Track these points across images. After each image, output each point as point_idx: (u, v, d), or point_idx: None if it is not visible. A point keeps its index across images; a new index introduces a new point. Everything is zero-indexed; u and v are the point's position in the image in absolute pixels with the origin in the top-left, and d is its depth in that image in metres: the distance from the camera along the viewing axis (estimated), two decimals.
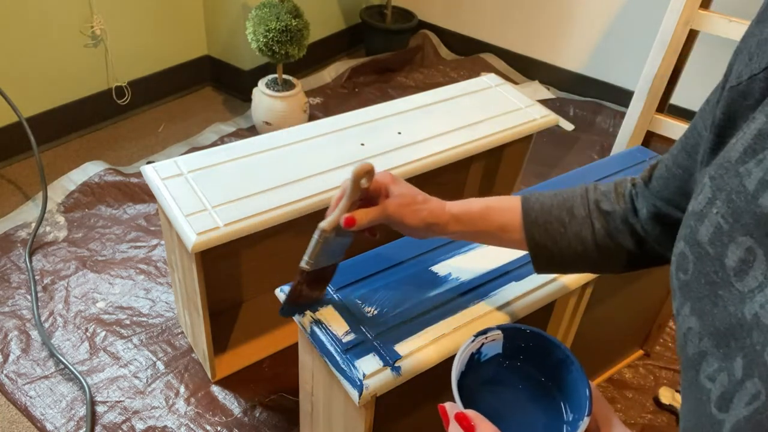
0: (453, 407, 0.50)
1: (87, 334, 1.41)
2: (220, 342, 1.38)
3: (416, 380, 0.82)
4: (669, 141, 1.86)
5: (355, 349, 0.82)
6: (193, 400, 1.30)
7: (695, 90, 2.16)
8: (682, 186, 0.59)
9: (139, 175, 1.84)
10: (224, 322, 1.42)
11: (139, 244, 1.66)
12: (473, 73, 2.58)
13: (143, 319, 1.46)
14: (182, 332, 1.44)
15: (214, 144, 2.08)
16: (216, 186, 1.13)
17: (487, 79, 1.59)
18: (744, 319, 0.38)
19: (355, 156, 1.25)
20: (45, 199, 1.71)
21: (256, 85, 2.04)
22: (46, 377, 1.32)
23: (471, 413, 0.48)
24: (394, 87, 2.52)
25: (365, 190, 0.74)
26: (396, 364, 0.80)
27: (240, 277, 1.40)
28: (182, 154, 1.48)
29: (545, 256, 0.72)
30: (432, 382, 0.84)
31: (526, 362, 0.57)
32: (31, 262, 1.57)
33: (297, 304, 0.86)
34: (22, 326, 1.42)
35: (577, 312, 1.08)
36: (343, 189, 0.74)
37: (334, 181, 1.17)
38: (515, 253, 1.00)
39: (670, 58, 1.72)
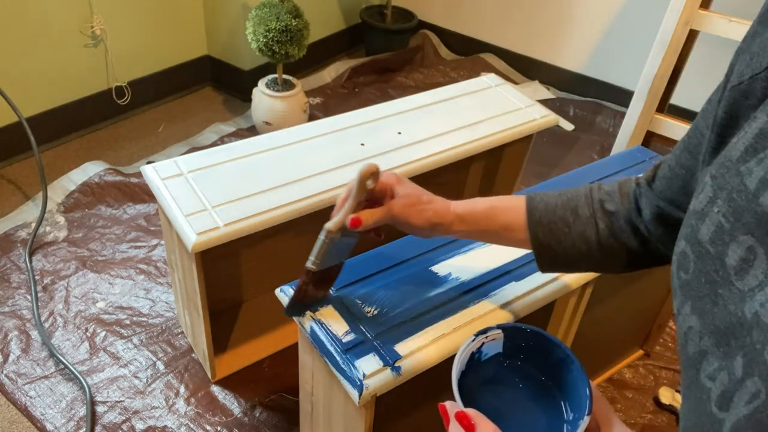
0: (453, 406, 0.50)
1: (87, 334, 1.41)
2: (220, 342, 1.38)
3: (416, 380, 0.82)
4: (669, 141, 1.86)
5: (355, 349, 0.82)
6: (193, 400, 1.30)
7: (695, 90, 2.16)
8: (684, 186, 0.59)
9: (139, 175, 1.84)
10: (224, 322, 1.42)
11: (139, 244, 1.66)
12: (473, 73, 2.58)
13: (143, 319, 1.46)
14: (182, 332, 1.44)
15: (214, 144, 2.08)
16: (216, 186, 1.13)
17: (487, 79, 1.59)
18: (744, 317, 0.38)
19: (355, 156, 1.25)
20: (45, 199, 1.71)
21: (256, 85, 2.04)
22: (46, 377, 1.32)
23: (471, 412, 0.48)
24: (394, 87, 2.52)
25: (371, 191, 0.74)
26: (396, 364, 0.80)
27: (240, 277, 1.40)
28: (182, 154, 1.48)
29: (549, 255, 0.72)
30: (432, 382, 0.84)
31: (527, 361, 0.57)
32: (31, 262, 1.57)
33: (302, 304, 0.86)
34: (22, 326, 1.42)
35: (577, 312, 1.08)
36: (349, 190, 0.75)
37: (334, 181, 1.17)
38: (515, 253, 1.00)
39: (670, 58, 1.72)
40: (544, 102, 2.46)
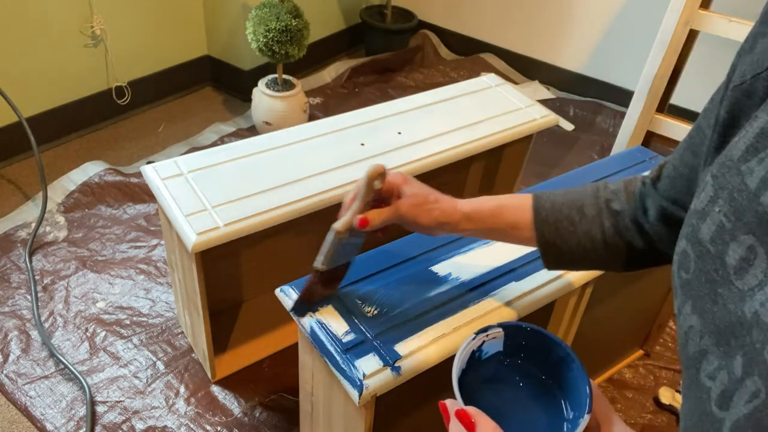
0: (454, 404, 0.50)
1: (87, 334, 1.41)
2: (220, 342, 1.38)
3: (416, 380, 0.82)
4: (669, 141, 1.86)
5: (355, 349, 0.82)
6: (193, 400, 1.30)
7: (695, 90, 2.16)
8: (688, 185, 0.59)
9: (139, 175, 1.84)
10: (224, 322, 1.42)
11: (139, 244, 1.66)
12: (473, 73, 2.58)
13: (143, 319, 1.46)
14: (182, 332, 1.44)
15: (214, 144, 2.08)
16: (216, 186, 1.13)
17: (487, 79, 1.59)
18: (744, 317, 0.38)
19: (355, 156, 1.25)
20: (45, 199, 1.71)
21: (256, 85, 2.04)
22: (46, 377, 1.32)
23: (471, 410, 0.48)
24: (394, 87, 2.52)
25: (378, 191, 0.75)
26: (396, 364, 0.80)
27: (240, 277, 1.40)
28: (182, 154, 1.48)
29: (555, 253, 0.73)
30: (432, 382, 0.84)
31: (527, 360, 0.57)
32: (31, 262, 1.57)
33: (309, 303, 0.87)
34: (22, 326, 1.42)
35: (577, 312, 1.08)
36: (356, 190, 0.75)
37: (334, 181, 1.17)
38: (515, 253, 1.00)
39: (670, 58, 1.72)
40: (544, 102, 2.46)
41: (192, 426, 1.25)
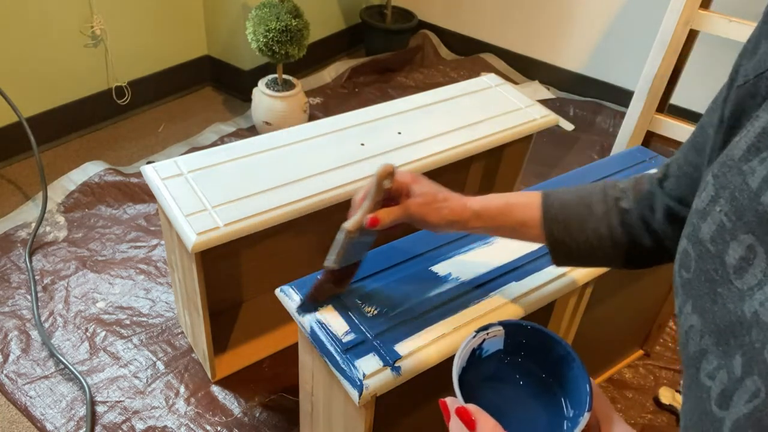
0: (454, 402, 0.50)
1: (87, 334, 1.41)
2: (220, 342, 1.38)
3: (416, 380, 0.82)
4: (669, 141, 1.86)
5: (355, 349, 0.82)
6: (193, 400, 1.30)
7: (695, 90, 2.16)
8: (693, 185, 0.60)
9: (139, 175, 1.84)
10: (224, 322, 1.42)
11: (139, 244, 1.66)
12: (473, 73, 2.58)
13: (143, 319, 1.46)
14: (182, 332, 1.44)
15: (214, 144, 2.08)
16: (216, 186, 1.13)
17: (487, 79, 1.59)
18: (744, 316, 0.38)
19: (355, 156, 1.25)
20: (45, 199, 1.71)
21: (256, 85, 2.04)
22: (46, 377, 1.32)
23: (472, 407, 0.48)
24: (394, 87, 2.52)
25: (387, 190, 0.76)
26: (396, 364, 0.80)
27: (240, 277, 1.40)
28: (182, 154, 1.48)
29: (563, 251, 0.74)
30: (432, 382, 0.84)
31: (527, 358, 0.57)
32: (31, 262, 1.57)
33: (319, 301, 0.88)
34: (22, 326, 1.42)
35: (577, 312, 1.08)
36: (366, 190, 0.77)
37: (334, 181, 1.17)
38: (515, 253, 1.01)
39: (670, 58, 1.72)
40: (544, 102, 2.46)
41: (192, 426, 1.25)
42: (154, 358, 1.37)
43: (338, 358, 0.81)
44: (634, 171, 1.23)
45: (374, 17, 2.68)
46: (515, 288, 0.94)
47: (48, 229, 1.68)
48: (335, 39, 2.69)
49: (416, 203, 0.75)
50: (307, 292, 0.86)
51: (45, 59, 1.89)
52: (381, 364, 0.80)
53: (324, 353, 0.83)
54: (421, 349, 0.83)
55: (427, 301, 0.90)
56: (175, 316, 1.47)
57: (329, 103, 2.35)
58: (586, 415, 0.49)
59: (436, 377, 0.82)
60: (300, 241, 1.39)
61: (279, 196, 1.13)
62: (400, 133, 1.34)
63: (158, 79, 2.23)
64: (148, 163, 1.38)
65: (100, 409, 1.27)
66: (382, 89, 2.49)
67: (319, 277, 0.83)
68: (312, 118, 2.16)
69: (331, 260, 0.79)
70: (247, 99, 2.16)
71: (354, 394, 0.78)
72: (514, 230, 0.76)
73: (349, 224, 0.76)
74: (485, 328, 0.56)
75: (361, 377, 0.78)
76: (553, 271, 0.98)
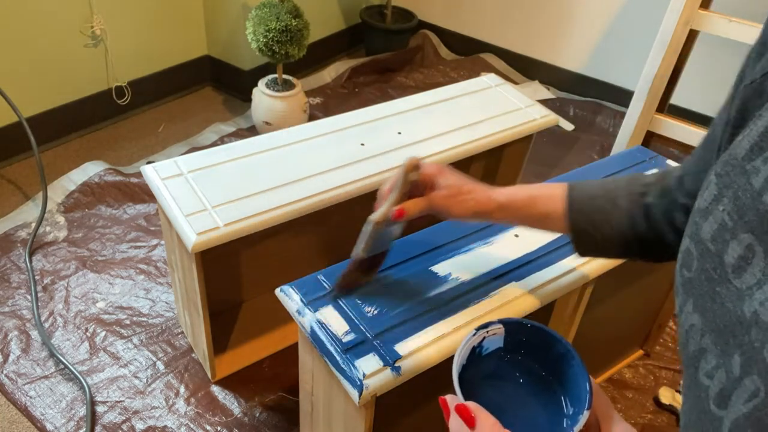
0: (454, 399, 0.50)
1: (87, 334, 1.41)
2: (220, 342, 1.38)
3: (416, 380, 0.82)
4: (669, 141, 1.86)
5: (355, 349, 0.82)
6: (193, 400, 1.30)
7: (695, 90, 2.16)
8: None
9: (139, 175, 1.84)
10: (224, 322, 1.42)
11: (139, 244, 1.66)
12: (473, 73, 2.58)
13: (143, 319, 1.46)
14: (182, 332, 1.44)
15: (214, 144, 2.08)
16: (216, 186, 1.13)
17: (487, 79, 1.59)
18: (743, 316, 0.38)
19: (355, 156, 1.25)
20: (45, 199, 1.71)
21: (256, 85, 2.04)
22: (46, 377, 1.32)
23: (471, 405, 0.48)
24: (394, 87, 2.52)
25: (413, 182, 0.79)
26: (396, 364, 0.80)
27: (240, 277, 1.40)
28: (182, 154, 1.48)
29: (586, 242, 0.75)
30: (432, 381, 0.84)
31: (527, 356, 0.57)
32: (31, 262, 1.57)
33: (348, 289, 0.90)
34: (22, 326, 1.42)
35: (577, 312, 1.08)
36: (392, 182, 0.79)
37: (334, 181, 1.17)
38: (515, 253, 1.01)
39: (670, 58, 1.72)
40: (544, 102, 2.46)
41: (192, 426, 1.25)
42: (154, 358, 1.37)
43: (338, 358, 0.81)
44: (634, 171, 1.23)
45: (374, 17, 2.68)
46: (515, 288, 0.94)
47: (48, 229, 1.68)
48: (335, 39, 2.69)
49: (441, 195, 0.78)
50: (336, 281, 0.89)
51: (45, 59, 1.89)
52: (381, 364, 0.80)
53: (324, 353, 0.83)
54: (421, 349, 0.83)
55: (427, 301, 0.90)
56: (175, 316, 1.47)
57: (329, 103, 2.35)
58: (586, 413, 0.49)
59: (436, 377, 0.82)
60: (300, 241, 1.39)
61: (279, 196, 1.13)
62: (400, 133, 1.34)
63: (158, 79, 2.23)
64: (148, 163, 1.38)
65: (100, 409, 1.27)
66: (382, 89, 2.49)
67: (347, 266, 0.86)
68: (312, 118, 2.16)
69: (358, 250, 0.82)
70: (247, 99, 2.16)
71: (354, 394, 0.78)
72: (538, 221, 0.78)
73: (376, 216, 0.79)
74: (485, 326, 0.56)
75: (361, 377, 0.78)
76: (553, 271, 0.98)
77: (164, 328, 1.44)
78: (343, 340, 0.83)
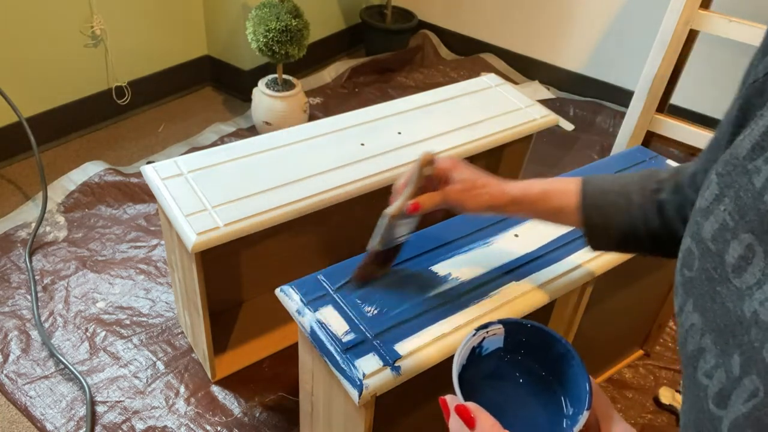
0: (453, 399, 0.50)
1: (87, 334, 1.41)
2: (220, 342, 1.38)
3: (416, 380, 0.82)
4: (669, 141, 1.86)
5: (355, 349, 0.82)
6: (193, 400, 1.30)
7: (695, 90, 2.16)
8: None
9: (139, 175, 1.84)
10: (224, 322, 1.42)
11: (139, 244, 1.66)
12: (473, 73, 2.58)
13: (143, 319, 1.46)
14: (182, 332, 1.44)
15: (214, 144, 2.08)
16: (216, 186, 1.13)
17: (487, 79, 1.59)
18: (743, 316, 0.38)
19: (355, 156, 1.25)
20: (45, 199, 1.71)
21: (256, 85, 2.04)
22: (46, 377, 1.32)
23: (471, 405, 0.48)
24: (394, 87, 2.52)
25: (428, 177, 0.80)
26: (396, 364, 0.80)
27: (240, 277, 1.40)
28: (182, 154, 1.48)
29: (599, 236, 0.76)
30: (432, 381, 0.84)
31: (527, 356, 0.57)
32: (31, 262, 1.57)
33: (364, 281, 0.92)
34: (22, 326, 1.42)
35: (577, 312, 1.08)
36: (407, 176, 0.81)
37: (334, 181, 1.17)
38: (515, 253, 1.01)
39: (670, 58, 1.72)
40: (544, 102, 2.46)
41: (192, 426, 1.25)
42: (154, 358, 1.37)
43: (338, 357, 0.81)
44: (633, 171, 1.23)
45: (374, 17, 2.68)
46: (515, 288, 0.94)
47: (48, 229, 1.68)
48: (335, 39, 2.69)
49: (455, 190, 0.79)
50: (352, 273, 0.90)
51: (45, 59, 1.89)
52: (381, 363, 0.80)
53: (324, 353, 0.83)
54: (421, 348, 0.83)
55: (427, 301, 0.90)
56: (175, 316, 1.47)
57: (329, 103, 2.35)
58: (586, 414, 0.49)
59: (436, 377, 0.82)
60: (300, 241, 1.39)
61: (279, 196, 1.13)
62: (400, 133, 1.34)
63: (158, 79, 2.23)
64: (148, 163, 1.38)
65: (100, 409, 1.27)
66: (382, 89, 2.49)
67: (363, 258, 0.88)
68: (312, 118, 2.16)
69: (374, 243, 0.84)
70: (247, 99, 2.16)
71: (354, 393, 0.78)
72: (551, 215, 0.79)
73: (391, 209, 0.80)
74: (485, 326, 0.56)
75: (361, 377, 0.78)
76: (553, 270, 0.98)
77: (164, 328, 1.44)
78: (343, 340, 0.83)
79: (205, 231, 1.04)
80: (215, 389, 1.32)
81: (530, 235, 1.05)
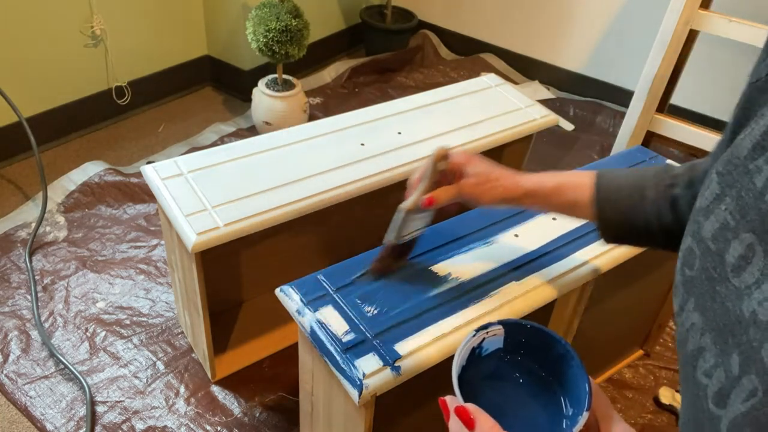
0: (453, 401, 0.50)
1: (87, 334, 1.41)
2: (220, 342, 1.38)
3: (416, 380, 0.82)
4: (669, 141, 1.86)
5: (355, 349, 0.82)
6: (193, 400, 1.30)
7: (695, 90, 2.16)
8: None
9: (139, 175, 1.84)
10: (224, 322, 1.42)
11: (139, 244, 1.66)
12: (473, 73, 2.58)
13: (143, 319, 1.46)
14: (182, 332, 1.44)
15: (214, 144, 2.08)
16: (216, 186, 1.13)
17: (487, 79, 1.59)
18: (742, 315, 0.38)
19: (355, 156, 1.25)
20: (45, 199, 1.71)
21: (256, 85, 2.04)
22: (46, 377, 1.32)
23: (470, 407, 0.48)
24: (394, 87, 2.52)
25: (442, 171, 0.81)
26: (396, 364, 0.80)
27: (240, 277, 1.40)
28: (182, 154, 1.48)
29: (612, 230, 0.76)
30: (432, 381, 0.84)
31: (527, 357, 0.57)
32: (31, 262, 1.57)
33: (382, 274, 0.93)
34: (22, 326, 1.42)
35: (577, 312, 1.08)
36: (422, 171, 0.82)
37: (334, 181, 1.17)
38: (515, 253, 1.01)
39: (670, 58, 1.72)
40: (544, 102, 2.46)
41: (192, 426, 1.25)
42: (154, 358, 1.37)
43: (338, 357, 0.81)
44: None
45: (374, 17, 2.68)
46: (515, 288, 0.94)
47: (48, 229, 1.68)
48: (335, 39, 2.69)
49: (470, 184, 0.80)
50: (370, 266, 0.91)
51: (45, 59, 1.89)
52: (381, 363, 0.80)
53: (324, 353, 0.83)
54: (421, 348, 0.83)
55: (427, 301, 0.90)
56: (175, 316, 1.47)
57: (329, 103, 2.35)
58: (585, 414, 0.49)
59: (436, 377, 0.82)
60: (300, 241, 1.39)
61: (279, 196, 1.13)
62: (400, 133, 1.34)
63: (158, 79, 2.23)
64: (148, 163, 1.39)
65: (100, 409, 1.27)
66: (382, 89, 2.49)
67: (380, 252, 0.90)
68: (312, 118, 2.16)
69: (390, 237, 0.86)
70: (247, 99, 2.16)
71: (354, 393, 0.78)
72: (565, 209, 0.79)
73: (407, 204, 0.82)
74: (485, 327, 0.56)
75: (361, 377, 0.78)
76: (553, 270, 0.98)
77: (164, 328, 1.44)
78: (343, 340, 0.83)
79: (205, 231, 1.04)
80: (215, 389, 1.32)
81: (530, 235, 1.05)
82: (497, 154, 1.56)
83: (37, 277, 1.53)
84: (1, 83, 1.72)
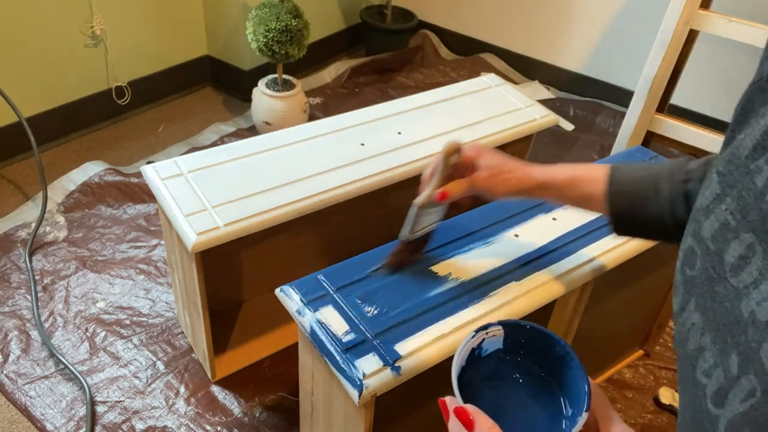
0: (453, 401, 0.50)
1: (87, 334, 1.41)
2: (220, 342, 1.39)
3: (416, 380, 0.82)
4: (669, 141, 1.86)
5: (355, 349, 0.82)
6: (193, 400, 1.30)
7: (695, 90, 2.16)
8: None
9: (139, 175, 1.84)
10: (224, 322, 1.42)
11: (139, 244, 1.66)
12: (473, 73, 2.58)
13: (143, 319, 1.46)
14: (182, 332, 1.44)
15: (214, 144, 2.08)
16: (216, 186, 1.13)
17: (487, 79, 1.59)
18: (741, 315, 0.38)
19: (355, 156, 1.25)
20: (45, 199, 1.71)
21: (256, 85, 2.04)
22: (46, 377, 1.32)
23: (470, 408, 0.48)
24: (394, 87, 2.52)
25: (455, 165, 0.82)
26: (396, 364, 0.80)
27: (240, 277, 1.40)
28: (182, 154, 1.48)
29: (625, 224, 0.76)
30: (432, 381, 0.84)
31: (527, 357, 0.57)
32: (31, 262, 1.57)
33: (398, 268, 0.94)
34: (22, 326, 1.42)
35: (577, 312, 1.08)
36: (434, 166, 0.83)
37: (334, 181, 1.18)
38: (515, 253, 1.01)
39: (670, 58, 1.72)
40: (544, 102, 2.46)
41: (192, 426, 1.25)
42: (154, 358, 1.37)
43: (338, 357, 0.81)
44: None
45: (374, 17, 2.68)
46: (515, 288, 0.94)
47: (48, 229, 1.68)
48: (335, 39, 2.69)
49: (482, 177, 0.80)
50: (386, 260, 0.93)
51: (45, 59, 1.89)
52: (381, 363, 0.80)
53: (324, 353, 0.83)
54: (421, 348, 0.83)
55: (427, 301, 0.90)
56: (175, 316, 1.47)
57: (329, 103, 2.35)
58: (584, 415, 0.49)
59: (436, 377, 0.82)
60: (300, 241, 1.39)
61: (279, 196, 1.13)
62: (400, 133, 1.34)
63: (158, 79, 2.23)
64: (148, 163, 1.39)
65: (100, 409, 1.27)
66: (382, 89, 2.49)
67: (395, 246, 0.91)
68: (312, 118, 2.16)
69: (405, 232, 0.87)
70: (247, 99, 2.16)
71: (354, 393, 0.78)
72: (578, 202, 0.80)
73: (420, 199, 0.83)
74: (485, 327, 0.56)
75: (361, 377, 0.78)
76: (552, 271, 0.98)
77: (164, 328, 1.44)
78: (343, 340, 0.83)
79: (205, 231, 1.04)
80: (215, 389, 1.32)
81: (530, 235, 1.05)
82: None
83: (37, 277, 1.53)
84: (1, 83, 1.72)
